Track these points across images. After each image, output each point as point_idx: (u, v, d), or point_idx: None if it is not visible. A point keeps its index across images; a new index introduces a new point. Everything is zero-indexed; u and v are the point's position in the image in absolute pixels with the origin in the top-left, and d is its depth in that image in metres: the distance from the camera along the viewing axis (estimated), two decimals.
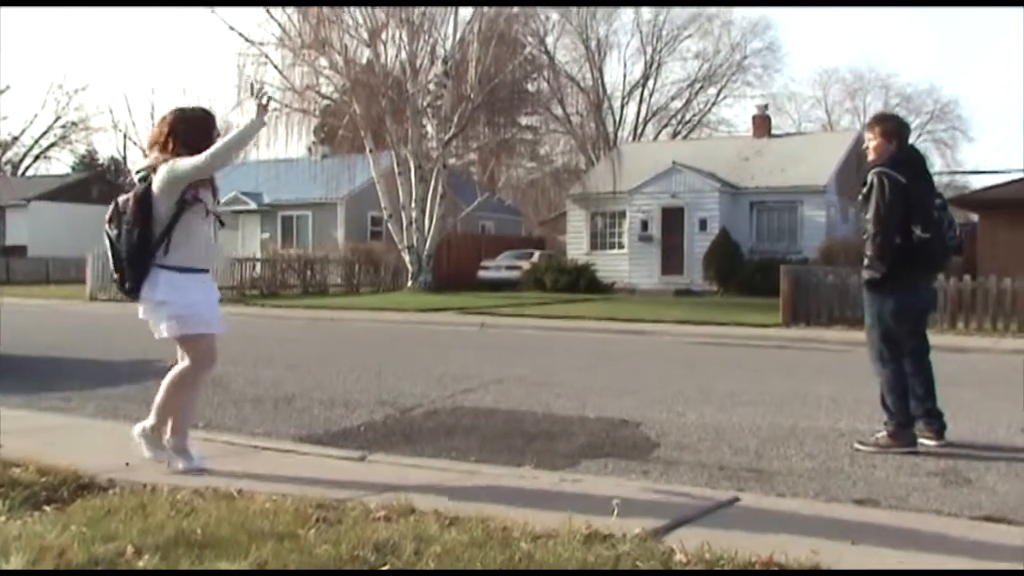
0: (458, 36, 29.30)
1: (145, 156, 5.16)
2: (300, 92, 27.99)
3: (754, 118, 36.58)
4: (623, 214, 31.87)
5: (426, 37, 29.09)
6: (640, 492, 4.69)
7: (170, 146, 4.89)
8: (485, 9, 28.88)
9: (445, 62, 29.06)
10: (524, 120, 34.14)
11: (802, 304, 17.71)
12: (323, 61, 28.31)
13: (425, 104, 29.81)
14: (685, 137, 49.57)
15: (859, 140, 37.29)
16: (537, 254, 33.61)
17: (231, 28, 27.78)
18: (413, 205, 28.81)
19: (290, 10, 27.71)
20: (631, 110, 51.31)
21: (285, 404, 7.83)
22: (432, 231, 29.16)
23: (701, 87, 51.70)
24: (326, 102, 30.84)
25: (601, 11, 48.56)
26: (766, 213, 30.90)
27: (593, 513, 4.08)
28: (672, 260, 30.63)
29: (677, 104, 52.31)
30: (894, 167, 6.14)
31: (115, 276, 4.98)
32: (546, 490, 4.66)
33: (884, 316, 6.24)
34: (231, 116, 31.23)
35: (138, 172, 4.98)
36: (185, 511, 3.80)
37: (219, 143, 4.88)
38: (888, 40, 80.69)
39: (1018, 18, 77.68)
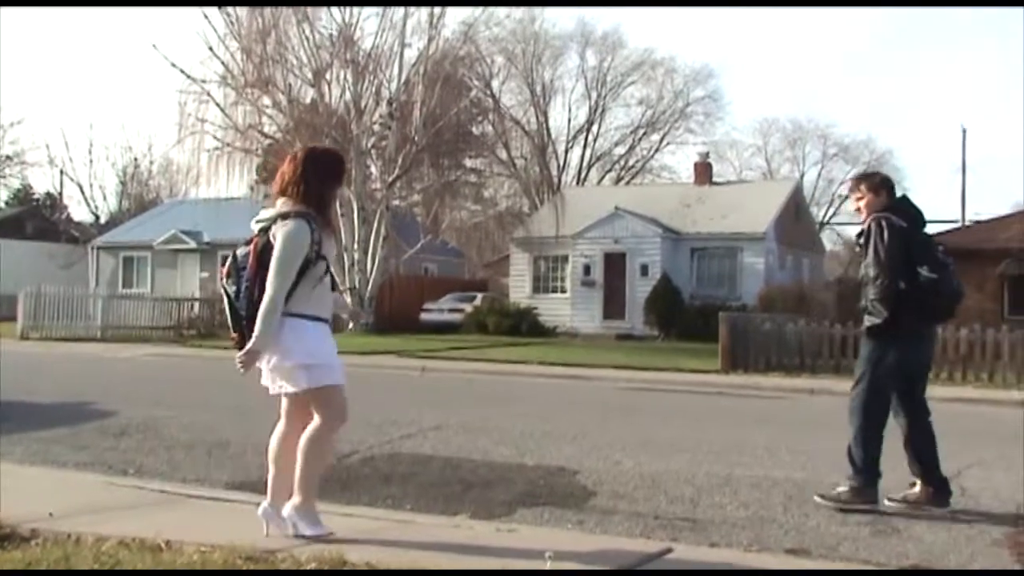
0: (403, 78, 29.49)
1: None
2: (242, 131, 27.89)
3: (696, 165, 37.17)
4: (566, 258, 32.10)
5: (371, 78, 29.24)
6: (574, 542, 4.71)
7: (299, 189, 4.51)
8: (431, 51, 29.12)
9: (390, 103, 29.19)
10: (468, 163, 34.35)
11: (740, 351, 17.95)
12: (266, 100, 28.28)
13: (369, 145, 29.87)
14: (628, 182, 50.18)
15: (798, 189, 38.16)
16: (480, 297, 33.64)
17: (173, 65, 27.51)
18: (355, 246, 28.73)
19: (233, 48, 27.70)
20: (575, 154, 51.90)
21: (219, 450, 7.72)
22: (374, 273, 29.08)
23: (644, 133, 52.46)
24: (269, 141, 30.72)
25: (546, 56, 49.25)
26: (707, 259, 31.35)
27: (527, 564, 4.10)
28: (614, 304, 30.87)
29: (621, 150, 53.00)
30: (892, 213, 5.96)
31: (232, 335, 4.56)
32: (481, 540, 4.66)
33: (880, 368, 5.92)
34: (172, 153, 30.91)
35: (259, 222, 4.57)
36: (109, 564, 3.73)
37: (272, 304, 4.38)
38: (827, 91, 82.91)
39: (948, 69, 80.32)
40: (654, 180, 50.98)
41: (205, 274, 36.94)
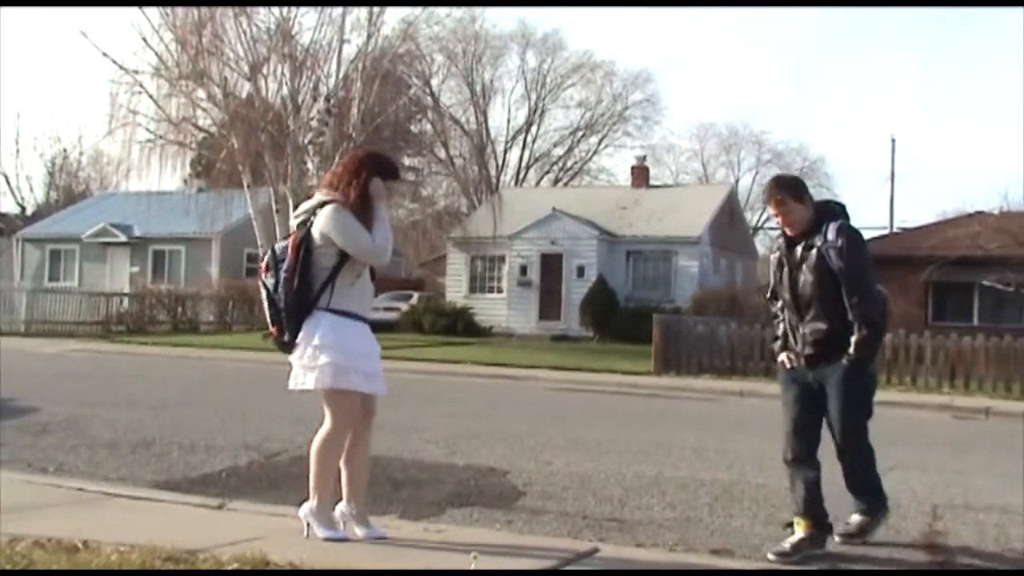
0: (341, 74, 29.20)
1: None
2: (176, 124, 27.34)
3: (633, 168, 37.43)
4: (503, 258, 32.12)
5: (309, 74, 28.89)
6: (502, 542, 4.72)
7: (344, 185, 4.55)
8: (370, 48, 28.91)
9: (328, 99, 28.87)
10: (407, 161, 34.11)
11: (673, 353, 18.13)
12: (201, 93, 27.75)
13: (306, 141, 29.54)
14: (566, 184, 50.36)
15: (732, 193, 38.64)
16: (416, 296, 33.52)
17: (104, 54, 26.86)
18: None
19: (168, 39, 27.13)
20: (514, 155, 51.93)
21: (144, 448, 7.59)
22: None
23: (583, 135, 52.67)
24: (203, 135, 30.23)
25: (487, 56, 49.18)
26: (642, 262, 31.60)
27: (453, 564, 4.09)
28: (550, 305, 30.97)
29: (559, 151, 53.12)
30: (847, 221, 5.25)
31: (271, 330, 4.59)
32: (409, 540, 4.64)
33: (869, 395, 5.25)
34: (102, 144, 30.28)
35: (298, 216, 4.64)
36: (22, 564, 3.64)
37: (383, 232, 4.52)
38: (762, 98, 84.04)
39: (878, 78, 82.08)
40: (592, 182, 51.24)
41: (135, 268, 36.28)
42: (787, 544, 4.95)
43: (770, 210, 5.50)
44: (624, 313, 28.67)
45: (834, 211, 5.34)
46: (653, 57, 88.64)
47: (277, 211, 28.44)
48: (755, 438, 9.42)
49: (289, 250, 4.51)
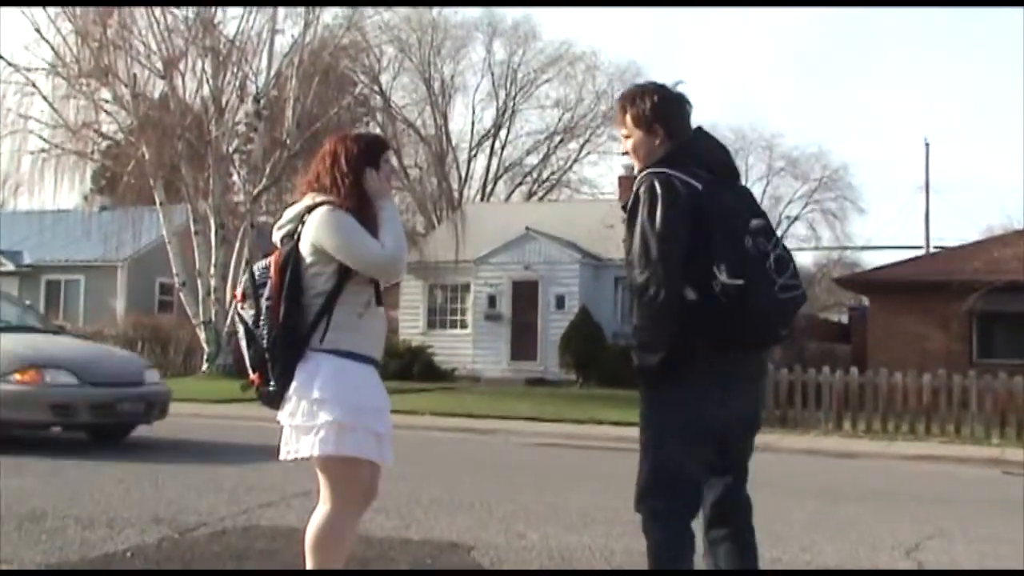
0: (273, 70, 29.28)
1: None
2: (75, 130, 27.30)
3: (620, 179, 37.52)
4: (467, 287, 32.15)
5: (234, 70, 28.97)
6: None
7: (332, 185, 4.14)
8: (307, 39, 29.03)
9: (257, 100, 28.94)
10: None
11: None
12: (105, 94, 27.76)
13: (231, 150, 29.58)
14: (542, 199, 50.55)
15: None
16: None
17: None
18: (212, 271, 28.29)
19: (66, 31, 27.17)
20: (480, 164, 52.03)
21: (33, 523, 7.46)
22: None
23: (561, 140, 52.82)
24: (107, 143, 30.16)
25: (446, 48, 49.42)
26: None
27: None
28: (524, 343, 30.98)
29: (533, 159, 53.31)
30: (674, 166, 4.12)
31: (251, 377, 4.21)
32: None
33: (669, 432, 4.28)
34: None
35: (281, 228, 4.25)
36: None
37: (395, 234, 4.16)
38: (773, 98, 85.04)
39: (913, 76, 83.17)
40: (572, 196, 51.44)
41: (26, 302, 35.93)
42: None
43: None
44: (612, 351, 28.66)
45: (673, 155, 4.21)
46: (643, 48, 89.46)
47: (196, 232, 28.40)
48: (774, 502, 9.41)
49: (271, 271, 4.13)
